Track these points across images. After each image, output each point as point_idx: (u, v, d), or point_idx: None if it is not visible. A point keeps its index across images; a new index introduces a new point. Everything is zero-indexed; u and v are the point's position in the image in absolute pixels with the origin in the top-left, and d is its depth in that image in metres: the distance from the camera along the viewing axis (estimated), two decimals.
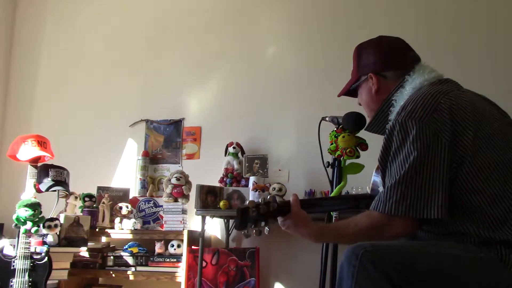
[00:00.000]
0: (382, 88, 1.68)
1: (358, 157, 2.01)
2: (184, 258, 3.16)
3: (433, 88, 1.51)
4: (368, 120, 1.85)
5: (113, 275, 3.25)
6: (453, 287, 1.31)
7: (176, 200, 3.28)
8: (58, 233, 3.05)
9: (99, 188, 3.51)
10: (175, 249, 3.23)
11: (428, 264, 1.31)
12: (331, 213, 2.04)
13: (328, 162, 2.07)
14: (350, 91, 1.83)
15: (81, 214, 3.32)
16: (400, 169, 1.39)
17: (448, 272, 1.31)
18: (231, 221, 3.43)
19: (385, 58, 1.71)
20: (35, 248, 2.84)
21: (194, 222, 3.45)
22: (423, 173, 1.36)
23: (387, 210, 1.39)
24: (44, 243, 2.94)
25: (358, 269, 1.29)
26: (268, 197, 1.47)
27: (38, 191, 2.91)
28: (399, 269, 1.29)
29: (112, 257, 3.26)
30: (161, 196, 3.39)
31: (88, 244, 3.22)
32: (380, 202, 1.41)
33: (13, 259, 2.73)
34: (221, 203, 3.12)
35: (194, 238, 3.22)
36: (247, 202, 1.45)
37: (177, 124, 3.78)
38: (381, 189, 1.57)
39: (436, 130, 1.38)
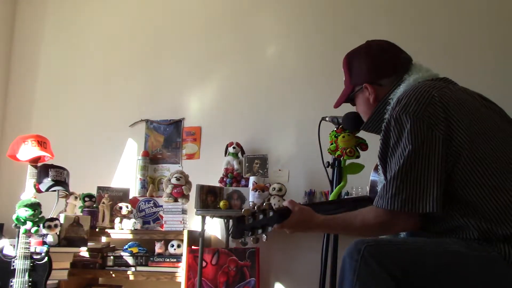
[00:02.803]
0: (379, 95, 1.66)
1: (358, 157, 2.01)
2: (184, 258, 3.16)
3: (427, 83, 1.52)
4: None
5: (113, 275, 3.25)
6: (456, 284, 1.31)
7: (176, 200, 3.28)
8: (58, 233, 3.05)
9: (99, 188, 3.51)
10: (175, 249, 3.23)
11: (430, 260, 1.31)
12: None
13: (328, 162, 2.07)
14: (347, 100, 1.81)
15: (81, 214, 3.33)
16: (396, 164, 1.41)
17: (451, 269, 1.31)
18: (231, 221, 3.43)
19: (377, 66, 1.68)
20: (35, 248, 2.84)
21: (194, 222, 3.45)
22: (418, 167, 1.38)
23: (384, 205, 1.40)
24: (44, 243, 2.94)
25: (360, 264, 1.28)
26: (264, 204, 1.47)
27: (38, 191, 2.91)
28: (402, 264, 1.29)
29: (112, 257, 3.26)
30: (161, 196, 3.39)
31: (88, 244, 3.22)
32: (379, 198, 1.43)
33: (13, 259, 2.73)
34: (221, 203, 3.12)
35: (194, 238, 3.22)
36: (243, 210, 1.45)
37: (177, 124, 3.78)
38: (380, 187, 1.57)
39: (430, 124, 1.39)
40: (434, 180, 1.37)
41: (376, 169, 1.83)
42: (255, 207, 1.45)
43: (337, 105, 1.84)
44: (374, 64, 1.69)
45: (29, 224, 2.75)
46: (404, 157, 1.39)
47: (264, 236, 1.46)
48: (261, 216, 1.43)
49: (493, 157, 1.40)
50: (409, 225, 1.43)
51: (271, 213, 1.45)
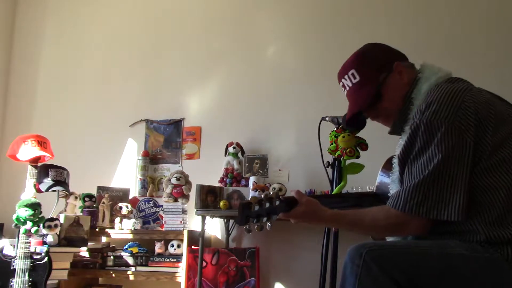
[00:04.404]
0: (409, 77, 1.60)
1: (358, 157, 2.01)
2: (184, 258, 3.16)
3: (453, 86, 1.47)
4: (365, 120, 1.83)
5: (113, 275, 3.25)
6: (459, 287, 1.30)
7: (176, 200, 3.28)
8: (58, 233, 3.04)
9: (99, 188, 3.51)
10: (175, 249, 3.23)
11: (433, 265, 1.30)
12: None
13: (328, 162, 2.07)
14: (358, 113, 1.70)
15: (81, 214, 3.32)
16: (423, 170, 1.38)
17: (454, 273, 1.30)
18: (231, 221, 3.43)
19: (391, 51, 1.67)
20: (35, 248, 2.84)
21: (194, 222, 3.45)
22: (447, 175, 1.36)
23: (407, 209, 1.37)
24: (44, 243, 2.94)
25: (362, 268, 1.28)
26: (271, 193, 1.46)
27: (38, 191, 2.90)
28: (404, 269, 1.28)
29: (112, 257, 3.26)
30: (161, 196, 3.39)
31: (88, 244, 3.22)
32: (400, 201, 1.39)
33: (13, 259, 2.73)
34: (221, 203, 3.12)
35: (194, 238, 3.22)
36: (250, 197, 1.45)
37: (177, 124, 3.78)
38: (393, 189, 1.54)
39: (461, 130, 1.37)
40: (461, 187, 1.35)
41: (385, 168, 1.79)
42: (262, 195, 1.45)
43: (360, 109, 1.68)
44: (386, 50, 1.67)
45: (29, 224, 2.75)
46: (434, 164, 1.36)
47: (269, 224, 1.46)
48: (267, 204, 1.43)
49: (510, 161, 1.39)
50: (421, 229, 1.41)
51: (277, 202, 1.45)
